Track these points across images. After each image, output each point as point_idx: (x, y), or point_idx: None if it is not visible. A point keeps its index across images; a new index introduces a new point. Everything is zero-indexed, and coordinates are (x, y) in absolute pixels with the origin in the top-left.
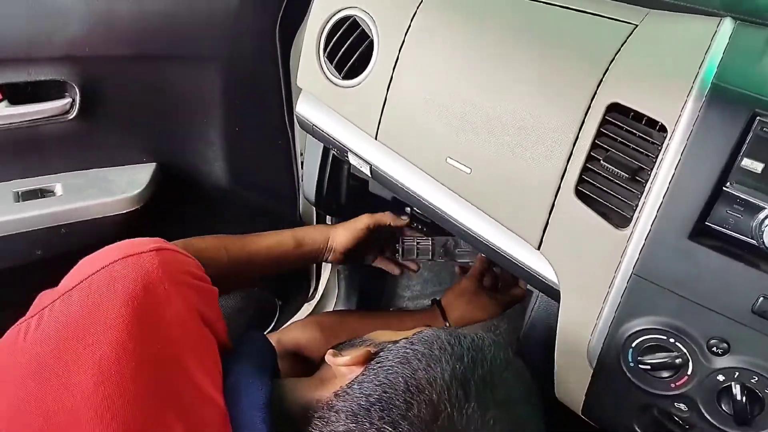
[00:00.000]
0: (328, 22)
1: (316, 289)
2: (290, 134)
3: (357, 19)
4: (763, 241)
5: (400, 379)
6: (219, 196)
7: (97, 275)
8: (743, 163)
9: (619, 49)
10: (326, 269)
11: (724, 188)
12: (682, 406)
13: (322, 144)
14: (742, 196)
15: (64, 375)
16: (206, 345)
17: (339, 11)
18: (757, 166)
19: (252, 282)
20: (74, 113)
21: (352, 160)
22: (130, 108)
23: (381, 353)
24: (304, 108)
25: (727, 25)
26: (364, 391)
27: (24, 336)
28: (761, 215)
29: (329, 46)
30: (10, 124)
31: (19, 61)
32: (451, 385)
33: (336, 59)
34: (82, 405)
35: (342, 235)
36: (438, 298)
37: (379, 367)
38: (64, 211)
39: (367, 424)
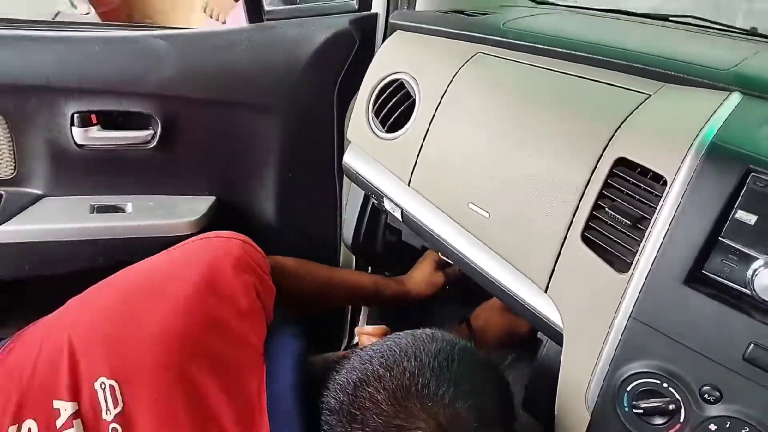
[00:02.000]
0: (380, 82)
1: None
2: (337, 184)
3: (404, 82)
4: (755, 290)
5: (396, 349)
6: (267, 234)
7: (198, 241)
8: (738, 215)
9: (631, 113)
10: None
11: (719, 238)
12: None
13: (363, 192)
14: (736, 246)
15: (163, 291)
16: (256, 309)
17: (390, 74)
18: (751, 218)
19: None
20: (154, 143)
21: (387, 205)
22: (200, 145)
23: (393, 333)
24: (350, 158)
25: (735, 97)
26: (374, 349)
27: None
28: (754, 265)
29: (377, 104)
30: (99, 145)
31: (114, 93)
32: (429, 362)
33: (382, 115)
34: (167, 310)
35: (418, 284)
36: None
37: (390, 338)
38: (130, 227)
39: (369, 366)
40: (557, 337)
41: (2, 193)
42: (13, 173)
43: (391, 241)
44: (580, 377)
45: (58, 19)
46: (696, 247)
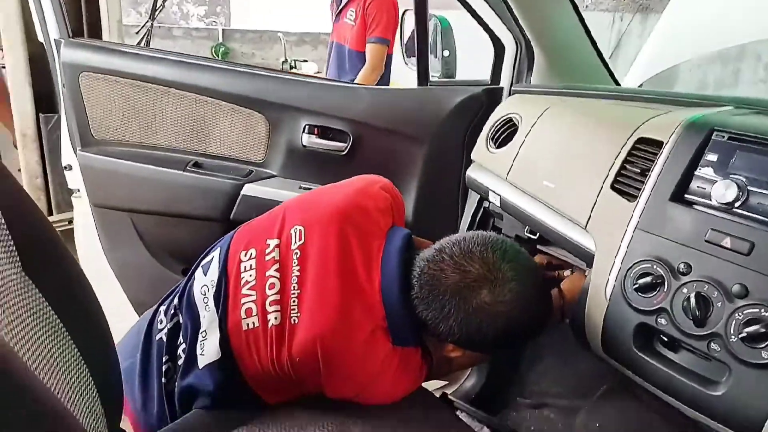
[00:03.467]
0: (499, 119)
1: None
2: (460, 200)
3: (512, 118)
4: (712, 197)
5: (469, 235)
6: None
7: (363, 176)
8: (707, 156)
9: (652, 117)
10: None
11: (695, 173)
12: (662, 320)
13: (478, 197)
14: (705, 176)
15: (339, 189)
16: (387, 210)
17: (506, 114)
18: (715, 157)
19: None
20: (345, 151)
21: (491, 197)
22: (372, 157)
23: None
24: (470, 172)
25: (728, 108)
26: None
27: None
28: (715, 184)
29: (494, 132)
30: (315, 148)
31: (329, 116)
32: (492, 245)
33: (494, 139)
34: (340, 195)
35: None
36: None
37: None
38: None
39: (446, 243)
40: (589, 260)
41: (253, 169)
42: (263, 159)
43: None
44: (602, 280)
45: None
46: (678, 177)
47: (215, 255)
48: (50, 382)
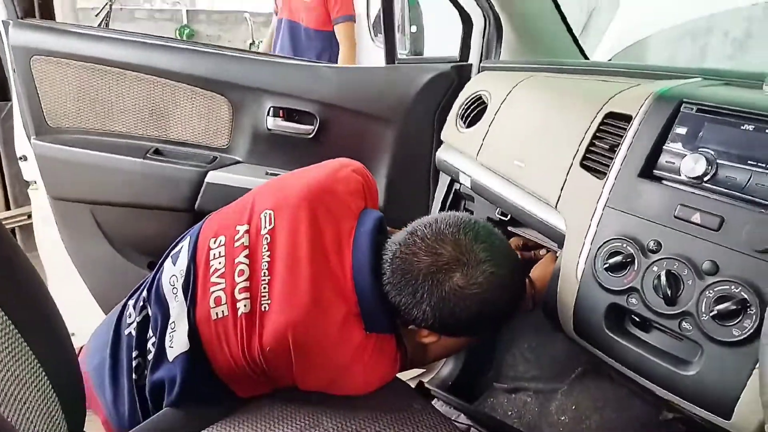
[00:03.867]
0: (467, 98)
1: None
2: (431, 180)
3: (482, 95)
4: (681, 171)
5: (440, 216)
6: None
7: (334, 160)
8: (676, 129)
9: (621, 91)
10: None
11: (663, 147)
12: (633, 300)
13: (449, 179)
14: (674, 149)
15: (309, 172)
16: (359, 192)
17: (475, 92)
18: (684, 130)
19: None
20: (312, 134)
21: (461, 178)
22: (341, 139)
23: None
24: (441, 153)
25: (696, 79)
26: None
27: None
28: (684, 158)
29: (463, 111)
30: (281, 131)
31: (295, 97)
32: (463, 226)
33: (464, 118)
34: (310, 178)
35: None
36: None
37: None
38: None
39: (418, 225)
40: (561, 240)
41: (217, 155)
42: (227, 144)
43: None
44: (573, 261)
45: None
46: (647, 152)
47: (184, 244)
48: (3, 390)
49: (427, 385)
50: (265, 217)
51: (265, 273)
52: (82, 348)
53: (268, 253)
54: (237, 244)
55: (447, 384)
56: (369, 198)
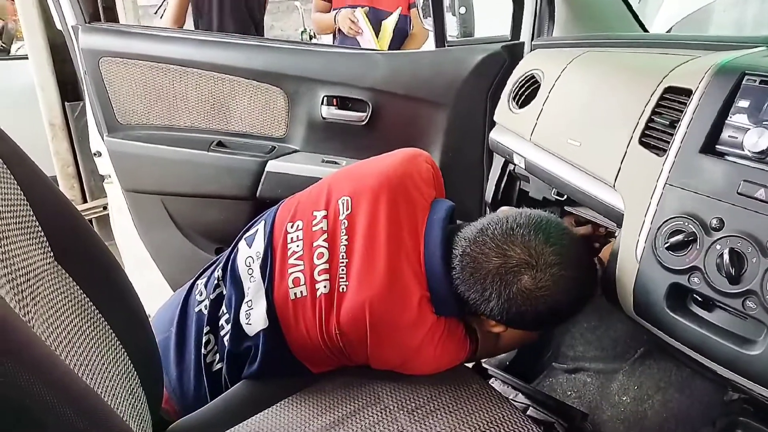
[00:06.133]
0: (520, 77)
1: None
2: (485, 161)
3: (534, 74)
4: (744, 146)
5: (511, 214)
6: None
7: (404, 149)
8: (739, 102)
9: (681, 64)
10: None
11: (726, 121)
12: (696, 279)
13: (503, 160)
14: (737, 123)
15: (385, 159)
16: (429, 180)
17: (528, 71)
18: (746, 103)
19: None
20: (365, 121)
21: (515, 159)
22: (393, 125)
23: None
24: (494, 134)
25: (761, 49)
26: (493, 214)
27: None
28: (748, 132)
29: (516, 91)
30: (335, 119)
31: (347, 86)
32: (533, 223)
33: (517, 98)
34: (386, 165)
35: None
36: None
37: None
38: None
39: (488, 222)
40: (619, 220)
41: (276, 145)
42: (284, 134)
43: (520, 201)
44: (632, 240)
45: None
46: (708, 127)
47: (260, 228)
48: (90, 368)
49: (484, 365)
50: (343, 203)
51: (343, 256)
52: None
53: (346, 237)
54: (315, 228)
55: (505, 364)
56: (438, 187)
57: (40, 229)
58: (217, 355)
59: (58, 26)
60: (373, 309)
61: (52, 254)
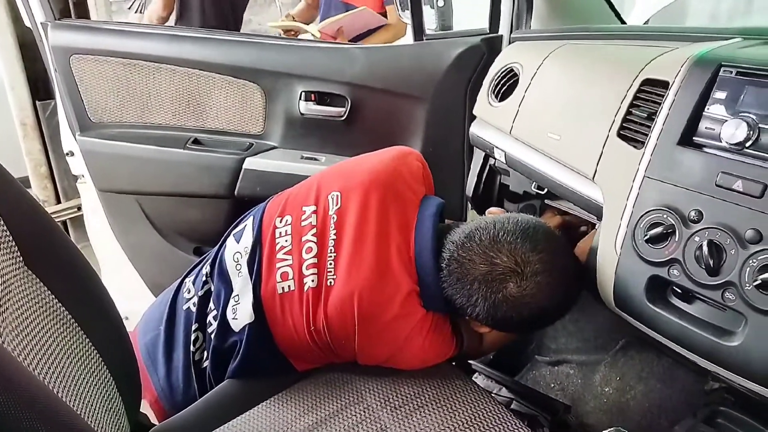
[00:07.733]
0: (499, 71)
1: None
2: (465, 155)
3: (513, 68)
4: (722, 138)
5: (498, 218)
6: None
7: (394, 147)
8: (715, 94)
9: (659, 55)
10: None
11: (703, 113)
12: (675, 271)
13: (483, 154)
14: (714, 115)
15: (375, 156)
16: (419, 178)
17: (506, 65)
18: (723, 95)
19: None
20: (344, 117)
21: (496, 153)
22: (372, 120)
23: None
24: (474, 129)
25: (736, 40)
26: (482, 218)
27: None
28: (724, 124)
29: (495, 85)
30: (313, 115)
31: (325, 81)
32: (519, 229)
33: (496, 92)
34: (377, 161)
35: None
36: None
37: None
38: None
39: (474, 227)
40: (599, 213)
41: (254, 142)
42: (262, 130)
43: (501, 195)
44: (612, 233)
45: None
46: (685, 119)
47: (248, 223)
48: (64, 376)
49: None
50: (332, 198)
51: (331, 250)
52: (134, 330)
53: (335, 231)
54: (304, 223)
55: (489, 358)
56: (428, 185)
57: (8, 233)
58: (206, 352)
59: (27, 23)
60: (361, 300)
61: (21, 259)
